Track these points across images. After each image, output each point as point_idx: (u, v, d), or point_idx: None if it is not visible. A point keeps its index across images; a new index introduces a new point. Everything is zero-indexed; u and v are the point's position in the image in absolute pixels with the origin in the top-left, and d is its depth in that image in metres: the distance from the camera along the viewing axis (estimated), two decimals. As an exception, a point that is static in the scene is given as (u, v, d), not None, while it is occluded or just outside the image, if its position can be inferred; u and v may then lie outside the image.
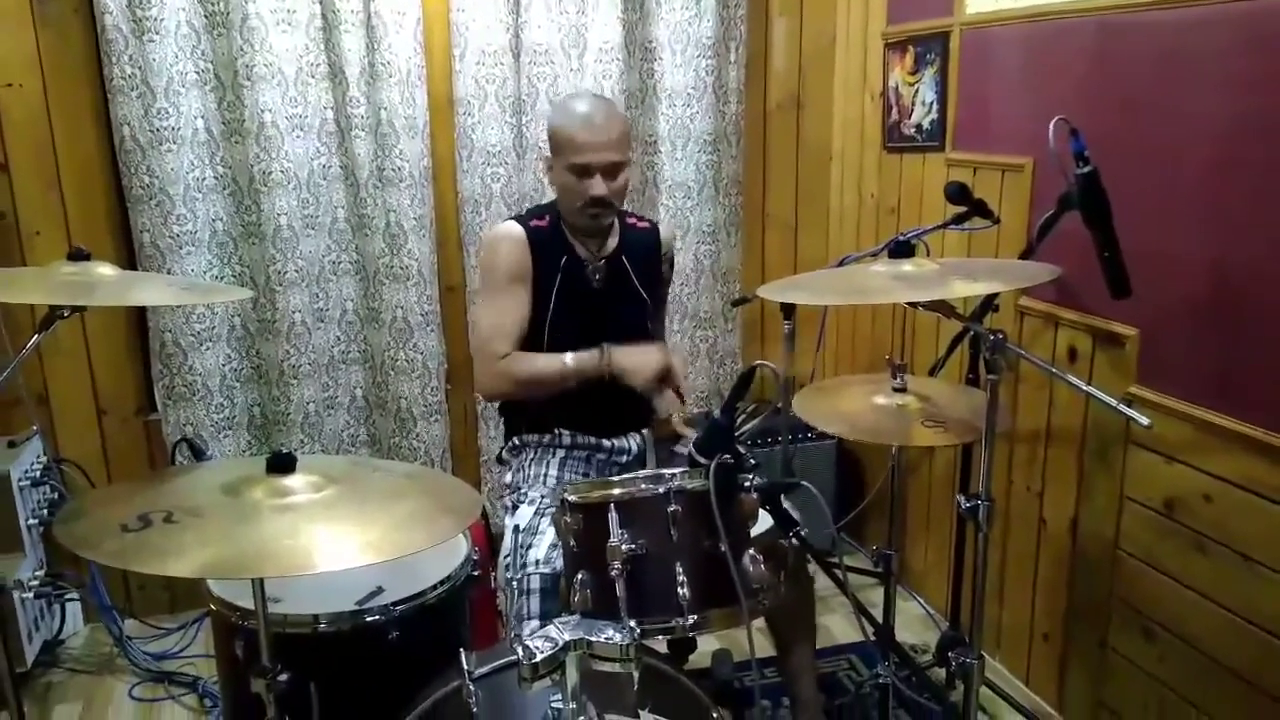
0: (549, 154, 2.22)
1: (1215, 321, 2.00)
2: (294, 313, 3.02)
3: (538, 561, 1.95)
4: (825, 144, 3.51)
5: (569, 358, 2.15)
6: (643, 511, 1.52)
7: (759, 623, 2.32)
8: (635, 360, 2.14)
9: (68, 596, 2.93)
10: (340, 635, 1.82)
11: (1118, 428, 2.27)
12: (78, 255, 1.74)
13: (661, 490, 1.52)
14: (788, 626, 2.27)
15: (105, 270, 1.76)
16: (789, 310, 2.68)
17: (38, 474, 2.80)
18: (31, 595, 2.69)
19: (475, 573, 2.04)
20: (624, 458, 2.30)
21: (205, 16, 2.78)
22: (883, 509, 2.79)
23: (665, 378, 2.16)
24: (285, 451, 1.48)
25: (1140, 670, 2.27)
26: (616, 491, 1.54)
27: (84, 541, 1.33)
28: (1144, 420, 1.52)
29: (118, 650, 2.92)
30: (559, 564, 1.92)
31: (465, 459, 3.34)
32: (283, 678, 1.52)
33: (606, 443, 2.28)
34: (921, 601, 3.16)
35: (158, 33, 2.72)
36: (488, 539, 2.66)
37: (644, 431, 2.39)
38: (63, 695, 2.77)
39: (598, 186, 2.12)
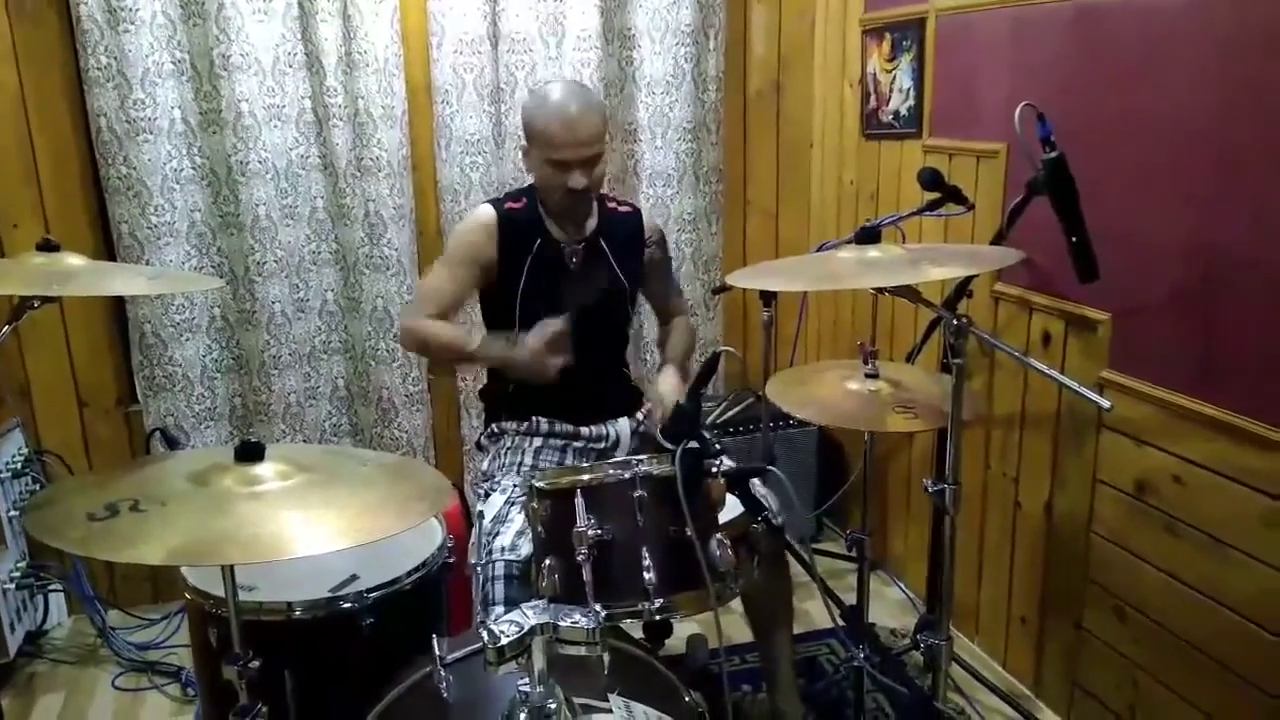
0: (525, 141, 2.22)
1: (1186, 306, 2.02)
2: (274, 303, 3.03)
3: (503, 548, 1.96)
4: (805, 131, 3.51)
5: (478, 339, 2.18)
6: (609, 497, 1.53)
7: (736, 607, 2.35)
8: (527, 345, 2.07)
9: (51, 587, 2.94)
10: (315, 622, 1.83)
11: (1090, 412, 2.28)
12: (47, 246, 1.74)
13: (627, 476, 1.53)
14: (764, 611, 2.28)
15: (75, 261, 1.76)
16: (769, 298, 2.70)
17: (19, 465, 2.80)
18: (13, 586, 2.70)
19: (451, 559, 2.05)
20: (601, 445, 2.31)
21: (180, 6, 2.77)
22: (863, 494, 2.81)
23: (552, 345, 2.04)
24: (253, 440, 1.49)
25: (1114, 651, 2.30)
26: (584, 478, 1.55)
27: (51, 530, 1.34)
28: (1105, 403, 1.54)
29: (101, 640, 2.93)
30: (525, 551, 1.93)
31: (448, 448, 3.35)
32: (254, 665, 1.53)
33: (584, 430, 2.29)
34: (902, 586, 3.18)
35: (133, 23, 2.71)
36: (467, 527, 2.67)
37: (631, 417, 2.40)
38: (46, 686, 2.78)
39: (576, 180, 2.13)
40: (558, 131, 2.12)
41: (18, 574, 2.74)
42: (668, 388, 2.23)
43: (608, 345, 2.38)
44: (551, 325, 2.03)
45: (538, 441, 2.29)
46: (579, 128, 2.12)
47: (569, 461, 2.29)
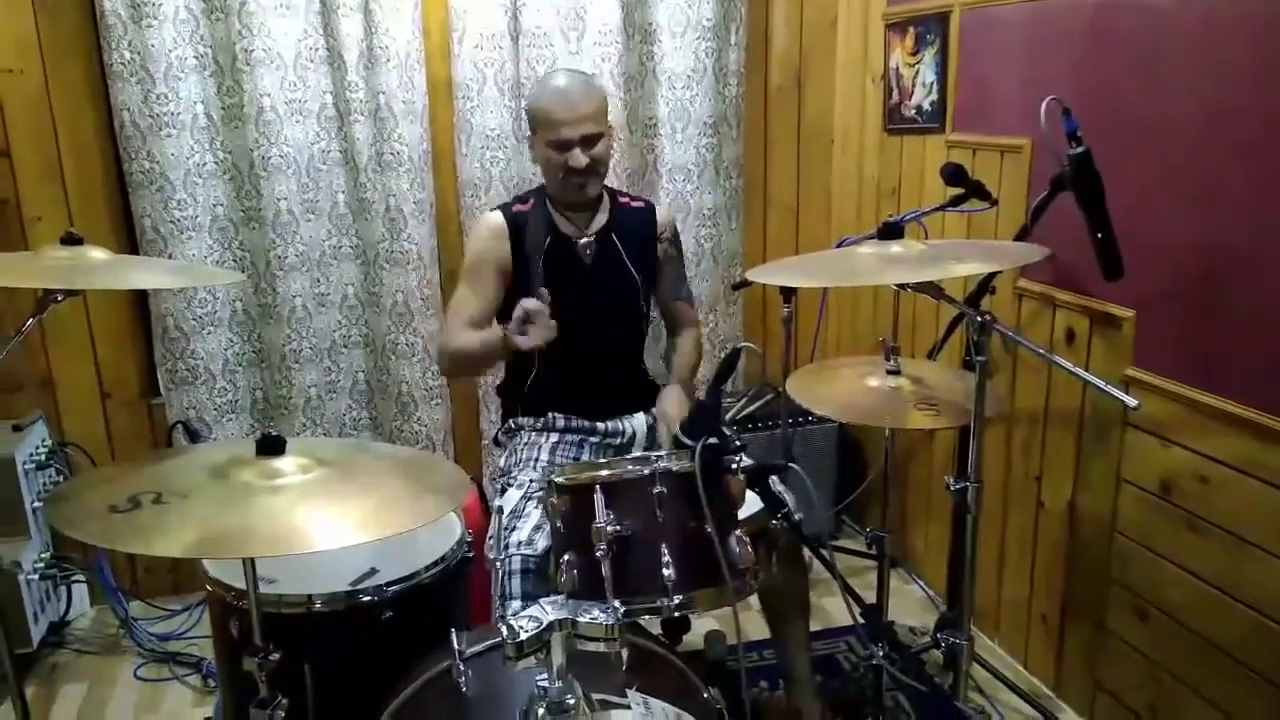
0: (529, 131, 2.25)
1: (1211, 303, 1.99)
2: (295, 297, 3.04)
3: (520, 543, 1.97)
4: (826, 126, 3.49)
5: (486, 332, 2.17)
6: (628, 493, 1.52)
7: (753, 603, 2.34)
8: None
9: (74, 578, 2.96)
10: (334, 615, 1.83)
11: (1114, 410, 2.26)
12: (70, 240, 1.75)
13: (647, 472, 1.52)
14: (781, 607, 2.27)
15: (97, 254, 1.76)
16: (789, 294, 2.69)
17: (43, 457, 2.83)
18: (37, 577, 2.73)
19: (470, 554, 2.05)
20: (618, 440, 2.31)
21: (203, 1, 2.78)
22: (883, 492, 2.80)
23: (526, 319, 2.02)
24: (274, 434, 1.50)
25: (1135, 651, 2.28)
26: (603, 473, 1.55)
27: (73, 522, 1.35)
28: (1132, 401, 1.52)
29: (123, 631, 2.95)
30: (541, 546, 1.94)
31: (467, 442, 3.35)
32: (274, 657, 1.54)
33: (600, 425, 2.29)
34: (922, 584, 3.16)
35: (156, 18, 2.73)
36: (486, 522, 2.67)
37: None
38: (68, 675, 2.80)
39: (577, 159, 2.16)
40: (556, 110, 2.17)
41: (41, 565, 2.77)
42: (671, 407, 2.26)
43: (623, 340, 2.38)
44: (528, 303, 2.01)
45: (554, 437, 2.30)
46: (577, 106, 2.16)
47: (585, 457, 2.29)
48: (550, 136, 2.17)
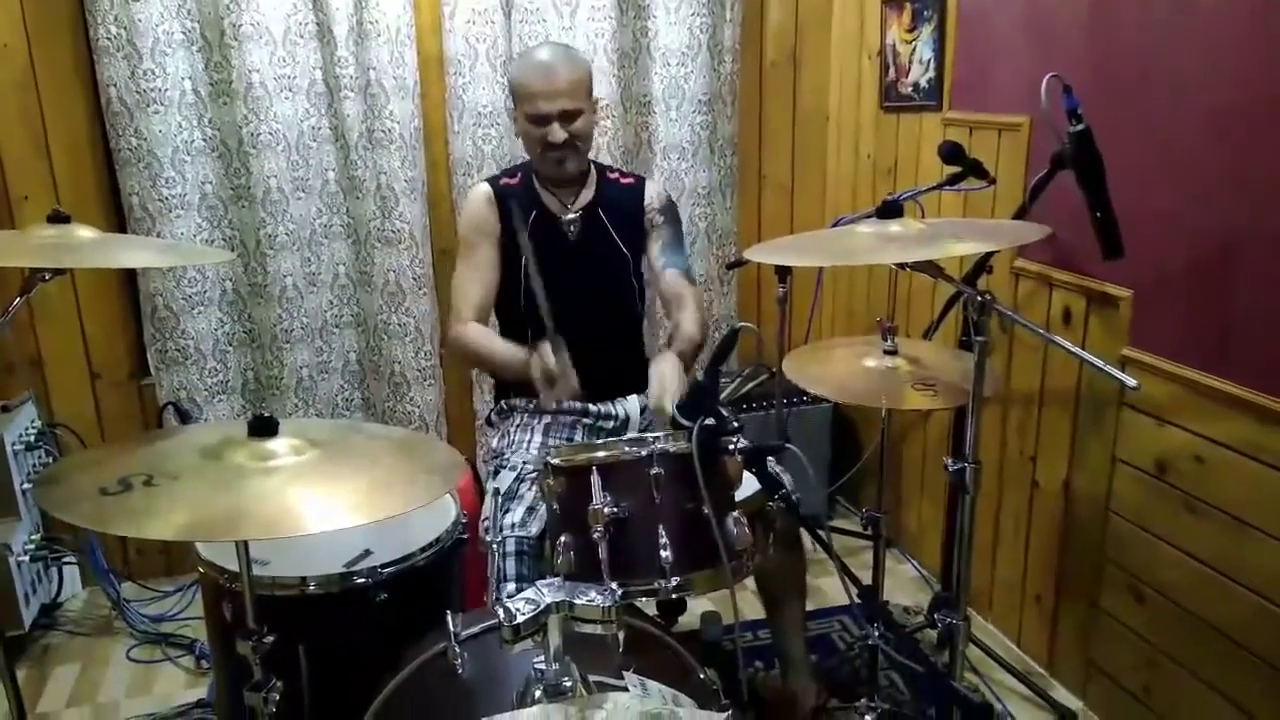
0: (512, 104, 2.24)
1: (1208, 283, 1.98)
2: (285, 277, 3.01)
3: (513, 525, 1.96)
4: (822, 104, 3.47)
5: (508, 351, 2.12)
6: (625, 474, 1.51)
7: (750, 584, 2.34)
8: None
9: (65, 560, 2.94)
10: (328, 597, 1.82)
11: (1110, 390, 2.25)
12: (57, 218, 1.72)
13: (644, 453, 1.51)
14: (777, 588, 2.27)
15: (85, 233, 1.74)
16: (784, 273, 2.67)
17: (32, 438, 2.81)
18: (28, 559, 2.71)
19: (464, 535, 2.04)
20: (610, 423, 2.29)
21: (190, -26, 2.74)
22: (878, 472, 2.79)
23: (549, 376, 1.92)
24: (266, 415, 1.48)
25: (1130, 631, 2.28)
26: (599, 454, 1.54)
27: (63, 504, 1.33)
28: (1131, 382, 1.51)
29: (115, 613, 2.94)
30: (535, 528, 1.93)
31: (459, 423, 3.34)
32: (268, 639, 1.53)
33: (593, 408, 2.27)
34: (916, 564, 3.17)
35: (142, -8, 2.68)
36: (480, 503, 2.66)
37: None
38: (61, 657, 2.79)
39: (554, 133, 2.14)
40: (534, 83, 2.15)
41: (32, 546, 2.75)
42: (664, 367, 1.98)
43: (615, 320, 2.36)
44: (547, 360, 1.90)
45: (546, 419, 2.28)
46: (556, 80, 2.14)
47: (578, 439, 2.27)
48: (528, 110, 2.15)
